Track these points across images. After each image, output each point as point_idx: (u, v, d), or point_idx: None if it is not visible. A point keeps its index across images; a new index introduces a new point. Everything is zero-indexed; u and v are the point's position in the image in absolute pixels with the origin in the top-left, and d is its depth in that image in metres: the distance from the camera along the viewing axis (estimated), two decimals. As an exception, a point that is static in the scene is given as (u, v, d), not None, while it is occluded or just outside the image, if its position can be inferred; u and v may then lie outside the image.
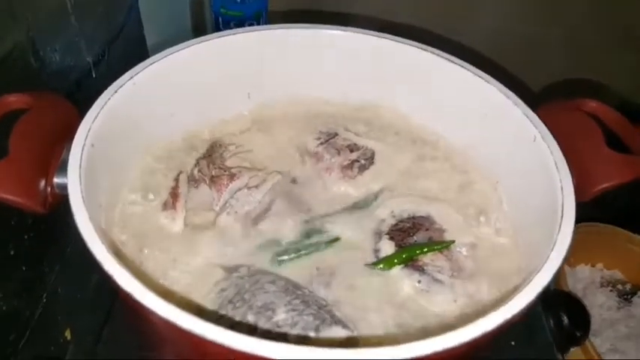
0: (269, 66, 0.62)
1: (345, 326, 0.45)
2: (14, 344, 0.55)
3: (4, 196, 0.43)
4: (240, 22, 1.01)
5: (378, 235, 0.54)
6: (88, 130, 0.46)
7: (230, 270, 0.50)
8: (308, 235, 0.54)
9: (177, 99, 0.58)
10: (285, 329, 0.43)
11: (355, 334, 0.45)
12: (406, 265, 0.51)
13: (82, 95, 0.64)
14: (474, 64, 0.58)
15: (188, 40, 0.90)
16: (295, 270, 0.51)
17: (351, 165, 0.60)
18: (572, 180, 0.47)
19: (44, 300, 0.60)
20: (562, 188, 0.46)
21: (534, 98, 0.56)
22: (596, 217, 0.88)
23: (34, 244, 0.57)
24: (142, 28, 0.83)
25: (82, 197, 0.41)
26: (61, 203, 0.46)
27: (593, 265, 0.93)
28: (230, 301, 0.47)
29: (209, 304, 0.48)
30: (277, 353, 0.33)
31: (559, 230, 0.42)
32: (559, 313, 0.67)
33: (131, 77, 0.52)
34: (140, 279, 0.38)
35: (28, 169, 0.44)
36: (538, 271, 0.39)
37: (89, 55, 0.67)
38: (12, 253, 0.54)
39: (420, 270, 0.51)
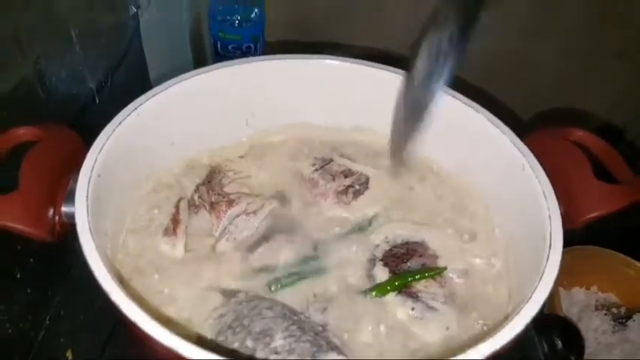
0: (266, 94, 0.64)
1: (340, 352, 0.46)
2: (18, 365, 0.56)
3: (17, 226, 0.44)
4: (238, 46, 1.04)
5: (372, 261, 0.56)
6: (95, 161, 0.48)
7: (228, 295, 0.52)
8: (304, 260, 0.55)
9: (177, 128, 0.60)
10: (282, 355, 0.44)
11: (351, 360, 0.46)
12: (400, 292, 0.52)
13: (86, 121, 0.66)
14: (464, 92, 0.59)
15: (189, 67, 0.92)
16: (292, 295, 0.52)
17: (345, 190, 0.62)
18: (560, 209, 0.48)
19: (47, 322, 0.62)
20: (550, 217, 0.47)
21: (523, 126, 0.58)
22: (589, 241, 0.89)
23: (38, 268, 0.59)
24: (143, 53, 0.85)
25: (90, 228, 0.42)
26: (69, 232, 0.48)
27: (587, 288, 0.94)
28: (229, 327, 0.48)
29: (208, 329, 0.49)
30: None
31: (547, 260, 0.44)
32: (553, 337, 0.68)
33: (135, 108, 0.54)
34: (141, 304, 0.39)
35: (38, 200, 0.46)
36: (527, 301, 0.41)
37: (92, 82, 0.69)
38: (18, 276, 0.56)
39: (414, 297, 0.52)
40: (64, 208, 0.48)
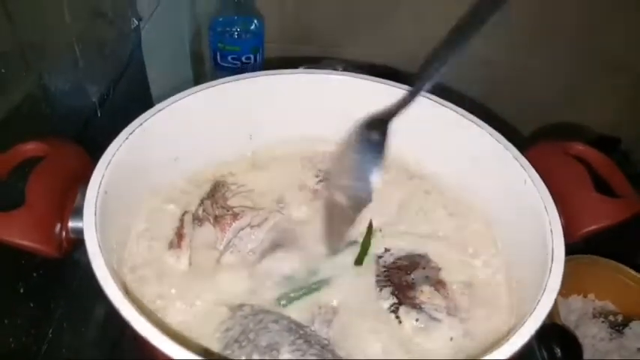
0: (270, 108, 0.65)
1: (347, 365, 0.47)
2: (22, 380, 0.57)
3: (25, 243, 0.45)
4: (237, 57, 1.04)
5: (376, 272, 0.56)
6: (102, 177, 0.48)
7: (234, 309, 0.52)
8: (309, 273, 0.56)
9: (181, 142, 0.61)
10: (289, 369, 0.45)
11: (356, 373, 0.47)
12: (404, 304, 0.53)
13: (89, 134, 0.66)
14: (464, 106, 0.60)
15: (189, 78, 0.92)
16: (297, 309, 0.52)
17: (348, 203, 0.63)
18: (561, 222, 0.49)
19: (50, 335, 0.62)
20: (552, 231, 0.48)
21: (521, 139, 0.58)
22: (587, 250, 0.91)
23: (42, 282, 0.59)
24: (144, 66, 0.85)
25: (99, 245, 0.43)
26: (75, 248, 0.48)
27: (585, 296, 0.95)
28: (236, 341, 0.49)
29: (215, 343, 0.49)
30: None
31: (549, 273, 0.45)
32: (552, 345, 0.69)
33: (140, 124, 0.54)
34: (147, 317, 0.39)
35: (45, 216, 0.46)
36: (530, 314, 0.42)
37: (95, 96, 0.69)
38: (22, 291, 0.56)
39: (418, 308, 0.52)
40: (71, 224, 0.48)
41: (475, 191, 0.61)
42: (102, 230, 0.45)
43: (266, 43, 1.06)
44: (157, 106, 0.57)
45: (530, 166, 0.54)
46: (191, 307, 0.52)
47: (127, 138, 0.53)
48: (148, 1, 0.83)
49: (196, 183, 0.63)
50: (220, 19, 1.03)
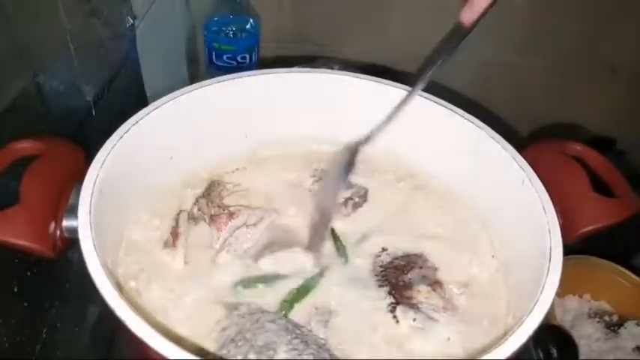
0: (265, 108, 0.64)
1: (343, 365, 0.46)
2: (15, 380, 0.56)
3: (19, 242, 0.44)
4: (233, 56, 1.04)
5: (373, 273, 0.56)
6: (96, 177, 0.48)
7: (230, 308, 0.52)
8: (305, 273, 0.55)
9: (177, 141, 0.60)
10: (286, 369, 0.45)
11: (354, 373, 0.46)
12: (401, 303, 0.53)
13: (83, 133, 0.66)
14: (462, 106, 0.60)
15: (184, 77, 0.92)
16: (294, 308, 0.52)
17: (345, 203, 0.62)
18: (559, 222, 0.49)
19: (44, 335, 0.61)
20: (550, 231, 0.48)
21: (520, 140, 0.58)
22: (582, 250, 0.91)
23: (35, 281, 0.58)
24: (139, 64, 0.85)
25: (94, 244, 0.42)
26: (69, 247, 0.48)
27: (580, 297, 0.96)
28: (232, 340, 0.48)
29: (211, 342, 0.49)
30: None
31: (547, 273, 0.45)
32: (547, 345, 0.69)
33: (135, 122, 0.54)
34: (142, 317, 0.39)
35: (40, 215, 0.46)
36: (528, 314, 0.41)
37: (90, 95, 0.69)
38: (15, 290, 0.55)
39: (415, 308, 0.52)
40: (65, 223, 0.47)
41: (473, 191, 0.61)
42: (97, 229, 0.45)
43: (262, 42, 1.06)
44: (152, 105, 0.56)
45: (528, 166, 0.54)
46: (186, 306, 0.52)
47: (121, 137, 0.52)
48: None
49: (192, 182, 0.63)
50: (216, 19, 1.02)
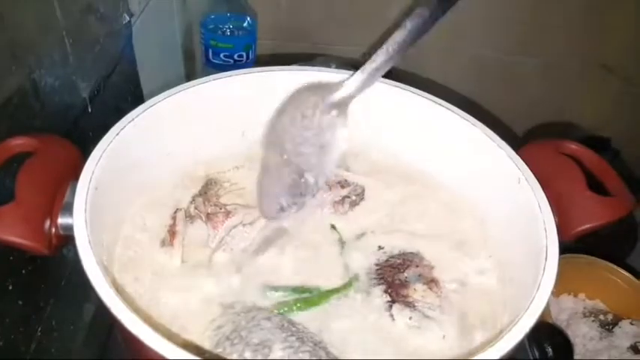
0: (263, 106, 0.64)
1: (339, 363, 0.46)
2: (9, 379, 0.56)
3: (14, 239, 0.44)
4: (230, 54, 1.04)
5: (369, 271, 0.56)
6: (92, 174, 0.48)
7: (226, 306, 0.52)
8: (301, 272, 0.55)
9: (173, 139, 0.60)
10: (282, 367, 0.45)
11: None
12: (397, 302, 0.53)
13: (79, 130, 0.66)
14: (458, 104, 0.60)
15: (180, 75, 0.91)
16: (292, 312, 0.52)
17: (342, 201, 0.62)
18: (555, 221, 0.49)
19: (39, 333, 0.61)
20: (545, 230, 0.48)
21: (516, 138, 0.58)
22: (577, 249, 0.91)
23: (30, 279, 0.58)
24: (135, 61, 0.85)
25: (89, 242, 0.42)
26: (64, 245, 0.48)
27: (575, 296, 0.96)
28: (227, 338, 0.48)
29: (206, 340, 0.49)
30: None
31: (543, 272, 0.45)
32: (543, 344, 0.69)
33: (131, 119, 0.54)
34: (138, 315, 0.39)
35: (35, 213, 0.45)
36: (524, 313, 0.41)
37: (85, 91, 0.68)
38: (10, 288, 0.55)
39: (411, 306, 0.52)
40: (60, 220, 0.47)
41: (468, 190, 0.61)
42: (92, 227, 0.45)
43: (259, 40, 1.06)
44: (148, 102, 0.56)
45: (524, 165, 0.54)
46: (182, 304, 0.52)
47: (117, 134, 0.52)
48: (140, -4, 0.83)
49: (188, 180, 0.63)
50: (213, 16, 1.02)
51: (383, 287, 0.54)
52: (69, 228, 0.45)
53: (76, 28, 0.63)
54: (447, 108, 0.60)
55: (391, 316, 0.52)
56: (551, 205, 0.50)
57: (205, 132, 0.63)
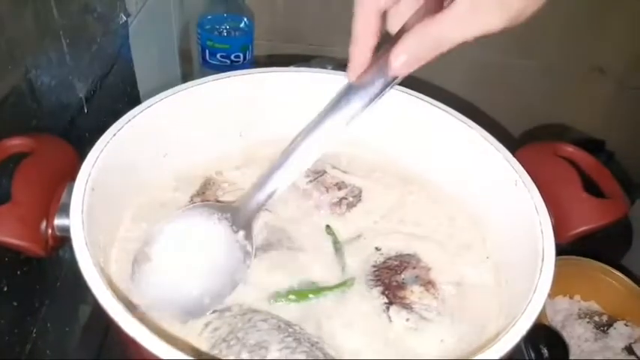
0: (260, 106, 0.64)
1: (337, 364, 0.46)
2: (4, 380, 0.56)
3: (9, 240, 0.44)
4: (227, 55, 1.04)
5: (366, 273, 0.56)
6: (89, 175, 0.48)
7: (222, 309, 0.51)
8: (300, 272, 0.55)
9: (171, 139, 0.60)
10: (279, 368, 0.45)
11: (347, 372, 0.46)
12: (394, 303, 0.53)
13: (76, 130, 0.66)
14: (455, 107, 0.61)
15: (177, 75, 0.91)
16: (286, 308, 0.52)
17: (339, 202, 0.62)
18: (552, 223, 0.49)
19: (34, 335, 0.61)
20: (542, 232, 0.48)
21: (512, 141, 0.59)
22: (572, 250, 0.92)
23: (25, 280, 0.58)
24: (131, 61, 0.84)
25: (86, 243, 0.42)
26: (60, 246, 0.47)
27: (571, 297, 0.96)
28: (224, 340, 0.48)
29: (203, 342, 0.49)
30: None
31: (540, 274, 0.45)
32: (539, 345, 0.70)
33: (129, 120, 0.53)
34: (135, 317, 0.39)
35: (31, 213, 0.45)
36: (521, 315, 0.42)
37: (82, 91, 0.68)
38: (5, 289, 0.55)
39: (409, 308, 0.52)
40: (57, 221, 0.47)
41: (466, 192, 0.61)
42: (89, 228, 0.45)
43: (255, 41, 1.06)
44: (146, 103, 0.56)
45: (520, 167, 0.54)
46: (179, 305, 0.52)
47: (115, 134, 0.52)
48: (137, -4, 0.83)
49: (186, 181, 0.62)
50: (209, 17, 1.02)
51: (380, 289, 0.54)
52: (65, 229, 0.45)
53: (72, 28, 0.63)
54: (444, 110, 0.60)
55: (388, 317, 0.52)
56: (547, 207, 0.50)
57: (203, 133, 0.62)
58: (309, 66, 0.93)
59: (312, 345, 0.48)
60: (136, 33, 0.82)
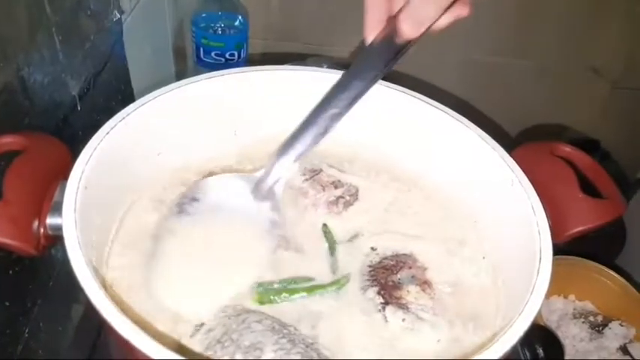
0: (254, 105, 0.64)
1: (332, 365, 0.46)
2: (-4, 380, 0.55)
3: (1, 240, 0.43)
4: (221, 53, 1.03)
5: (362, 272, 0.56)
6: (82, 173, 0.47)
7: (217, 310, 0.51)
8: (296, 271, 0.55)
9: (165, 138, 0.59)
10: (273, 369, 0.44)
11: (342, 372, 0.46)
12: (390, 303, 0.52)
13: (69, 128, 0.65)
14: (451, 106, 0.60)
15: (171, 73, 0.91)
16: (282, 309, 0.52)
17: (336, 201, 0.62)
18: (548, 223, 0.49)
19: (26, 334, 0.60)
20: (539, 232, 0.48)
21: (509, 140, 0.59)
22: (567, 250, 0.92)
23: (17, 280, 0.57)
24: (125, 59, 0.84)
25: (79, 242, 0.42)
26: (52, 245, 0.47)
27: (566, 297, 0.97)
28: (218, 341, 0.48)
29: (197, 344, 0.48)
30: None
31: (537, 274, 0.45)
32: (534, 345, 0.69)
33: (122, 118, 0.53)
34: (128, 317, 0.38)
35: (23, 213, 0.45)
36: (519, 315, 0.41)
37: (75, 89, 0.68)
38: (-3, 289, 0.54)
39: (405, 308, 0.52)
40: (49, 220, 0.46)
41: (462, 191, 0.61)
42: (81, 227, 0.44)
43: (250, 39, 1.05)
44: (139, 101, 0.55)
45: (517, 167, 0.54)
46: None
47: (108, 133, 0.51)
48: (131, -7, 0.82)
49: (180, 179, 0.62)
50: (204, 15, 1.01)
51: (376, 289, 0.54)
52: (58, 228, 0.45)
53: (65, 25, 0.63)
54: (441, 110, 0.60)
55: (384, 317, 0.51)
56: (544, 207, 0.50)
57: (197, 131, 0.62)
58: (305, 65, 0.93)
59: (307, 346, 0.48)
60: (130, 30, 0.82)
